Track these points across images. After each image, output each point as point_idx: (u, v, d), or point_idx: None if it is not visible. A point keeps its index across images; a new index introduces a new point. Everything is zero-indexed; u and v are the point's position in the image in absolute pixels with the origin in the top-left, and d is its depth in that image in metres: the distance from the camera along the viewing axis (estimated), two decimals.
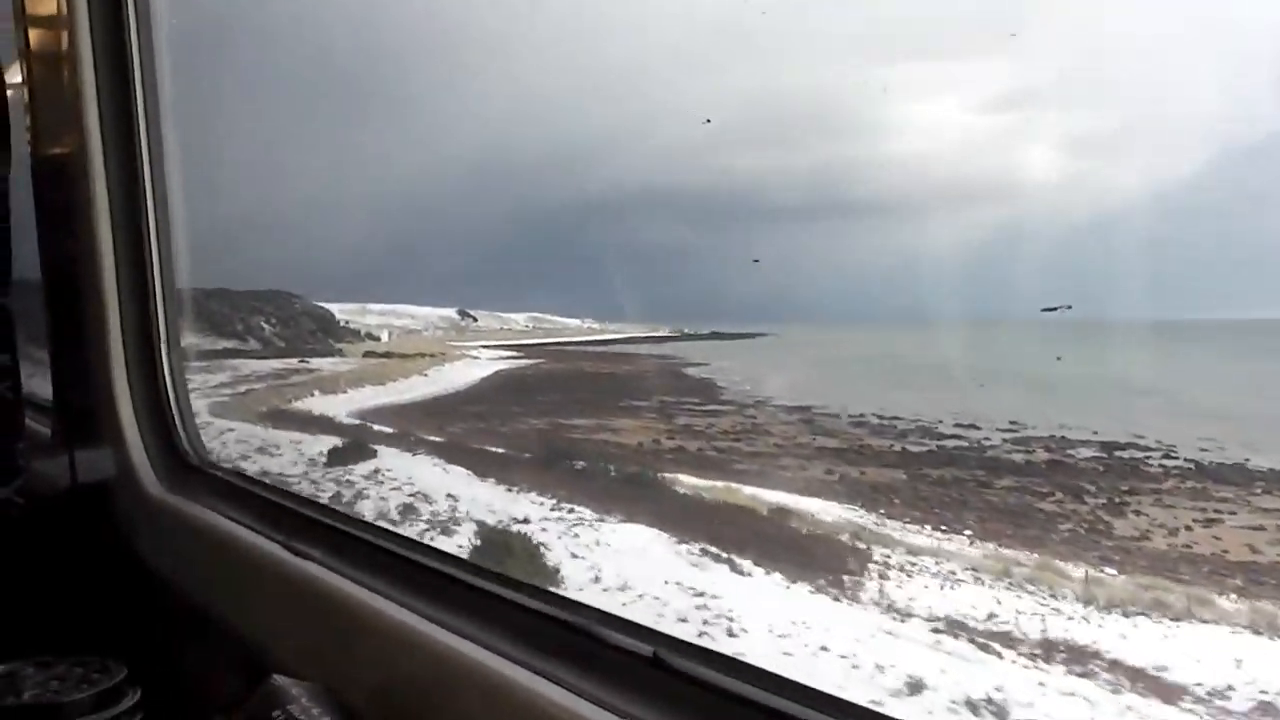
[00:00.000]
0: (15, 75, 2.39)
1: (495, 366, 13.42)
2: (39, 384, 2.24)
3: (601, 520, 6.41)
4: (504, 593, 1.32)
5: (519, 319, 15.20)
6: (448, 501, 6.90)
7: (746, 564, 5.39)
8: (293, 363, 13.38)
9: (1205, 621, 4.32)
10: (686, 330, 14.16)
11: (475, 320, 14.89)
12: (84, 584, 2.00)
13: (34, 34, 2.31)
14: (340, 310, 14.49)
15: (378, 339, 14.56)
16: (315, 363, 13.69)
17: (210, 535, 1.84)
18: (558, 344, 14.85)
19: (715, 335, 13.98)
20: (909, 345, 8.99)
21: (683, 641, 1.11)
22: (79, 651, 1.46)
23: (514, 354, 14.34)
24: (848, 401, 8.25)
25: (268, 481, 1.95)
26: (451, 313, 15.10)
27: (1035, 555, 5.03)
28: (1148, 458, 6.02)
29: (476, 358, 14.10)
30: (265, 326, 13.71)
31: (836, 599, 5.06)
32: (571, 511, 6.51)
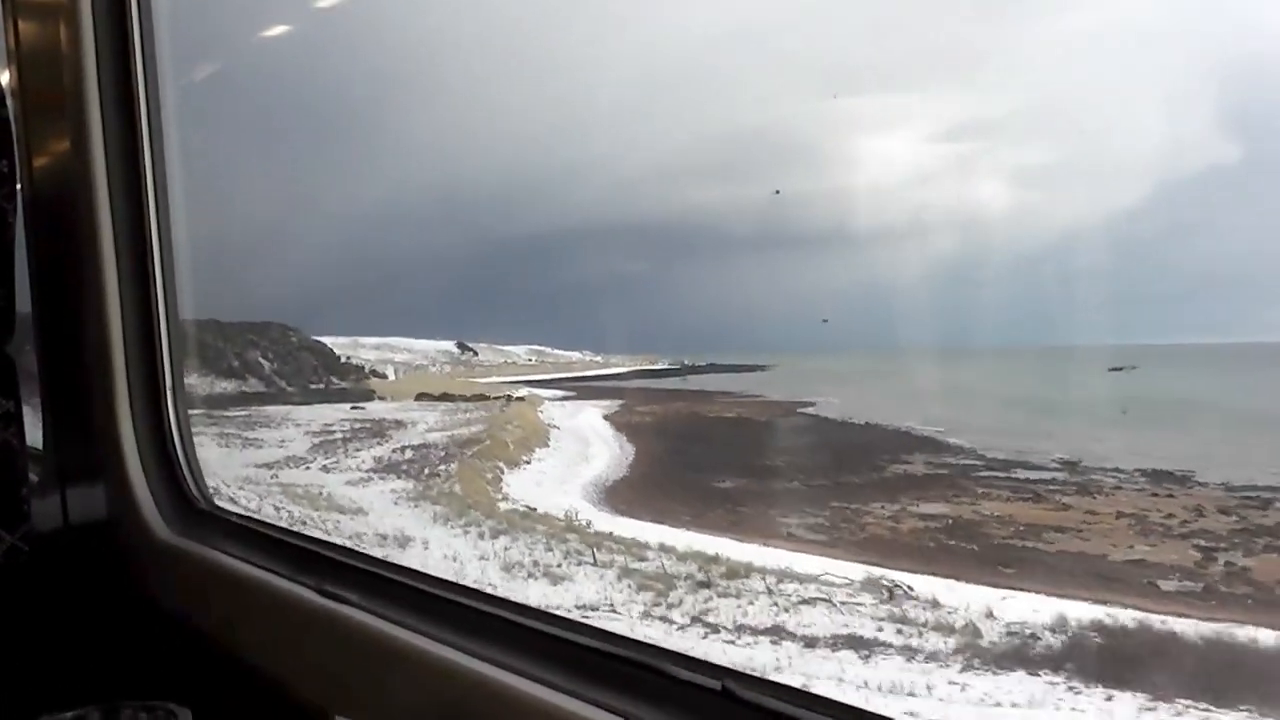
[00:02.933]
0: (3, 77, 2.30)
1: (593, 412, 12.51)
2: None
3: None
4: (560, 632, 1.41)
5: (519, 352, 14.98)
6: None
7: None
8: (344, 410, 12.70)
9: None
10: (686, 362, 14.07)
11: (475, 354, 14.68)
12: (99, 630, 2.06)
13: (25, 29, 2.21)
14: (332, 344, 14.12)
15: (383, 376, 14.13)
16: (371, 408, 12.95)
17: (232, 580, 1.90)
18: (584, 379, 14.41)
19: (714, 367, 13.86)
20: (968, 373, 8.63)
21: (751, 675, 1.22)
22: (112, 697, 1.53)
23: (568, 393, 13.80)
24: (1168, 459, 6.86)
25: (282, 525, 2.02)
26: (449, 346, 14.80)
27: None
28: None
29: (544, 399, 13.55)
30: (263, 363, 13.16)
31: None
32: None
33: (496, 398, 13.46)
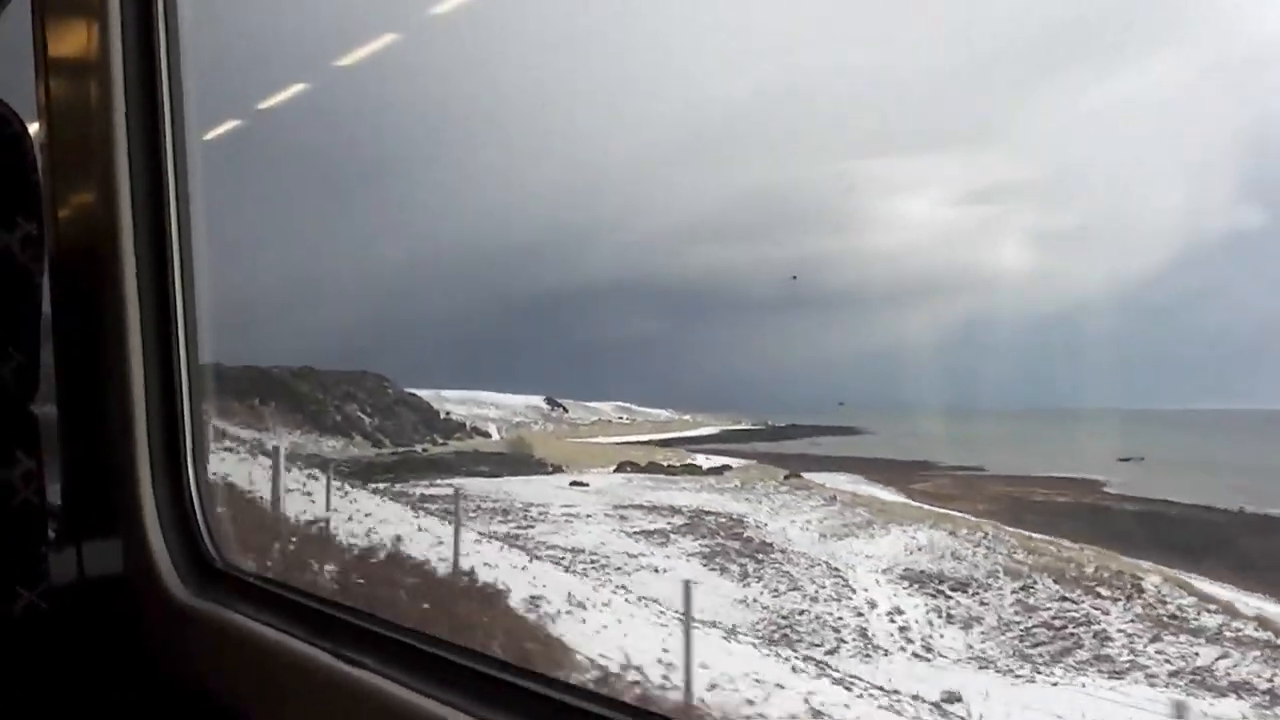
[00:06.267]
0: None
1: (880, 491, 11.05)
2: None
3: None
4: (585, 705, 1.43)
5: (606, 409, 14.61)
6: None
7: None
8: (563, 486, 11.24)
9: None
10: (769, 423, 13.70)
11: (566, 410, 14.38)
12: (112, 687, 2.09)
13: (56, 85, 2.27)
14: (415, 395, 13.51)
15: (486, 434, 13.51)
16: (595, 484, 11.64)
17: (247, 642, 1.89)
18: (707, 441, 13.71)
19: (796, 429, 13.40)
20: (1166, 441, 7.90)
21: None
22: None
23: (744, 460, 12.99)
24: None
25: (302, 588, 2.04)
26: (536, 401, 14.46)
27: None
28: None
29: (717, 466, 12.33)
30: (364, 417, 12.64)
31: None
32: None
33: (712, 470, 12.66)
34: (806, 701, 6.85)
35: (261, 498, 8.46)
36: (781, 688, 6.84)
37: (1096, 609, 8.30)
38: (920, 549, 9.77)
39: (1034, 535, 9.99)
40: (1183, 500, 9.95)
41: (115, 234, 2.20)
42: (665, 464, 12.56)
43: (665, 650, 6.78)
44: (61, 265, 2.28)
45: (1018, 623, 8.37)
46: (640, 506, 10.86)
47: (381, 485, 11.01)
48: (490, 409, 14.42)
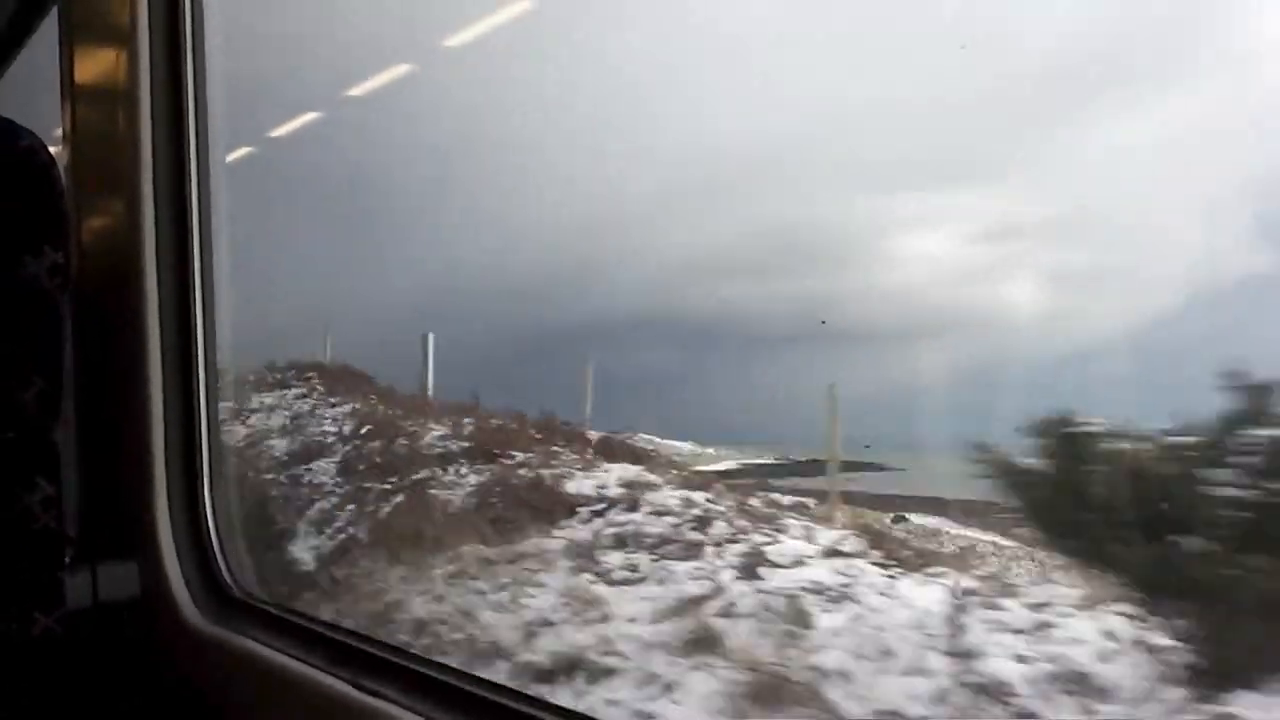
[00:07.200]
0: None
1: None
2: None
3: None
4: None
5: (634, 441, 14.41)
6: None
7: None
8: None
9: None
10: (791, 458, 13.37)
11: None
12: (126, 716, 2.09)
13: (82, 111, 2.30)
14: None
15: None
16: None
17: (264, 670, 1.87)
18: (729, 474, 13.22)
19: (815, 464, 12.97)
20: None
21: None
22: None
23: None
24: None
25: (322, 617, 2.04)
26: None
27: None
28: None
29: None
30: None
31: None
32: None
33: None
34: None
35: None
36: None
37: None
38: None
39: None
40: None
41: (139, 260, 2.21)
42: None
43: None
44: (83, 290, 2.29)
45: None
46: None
47: None
48: None
